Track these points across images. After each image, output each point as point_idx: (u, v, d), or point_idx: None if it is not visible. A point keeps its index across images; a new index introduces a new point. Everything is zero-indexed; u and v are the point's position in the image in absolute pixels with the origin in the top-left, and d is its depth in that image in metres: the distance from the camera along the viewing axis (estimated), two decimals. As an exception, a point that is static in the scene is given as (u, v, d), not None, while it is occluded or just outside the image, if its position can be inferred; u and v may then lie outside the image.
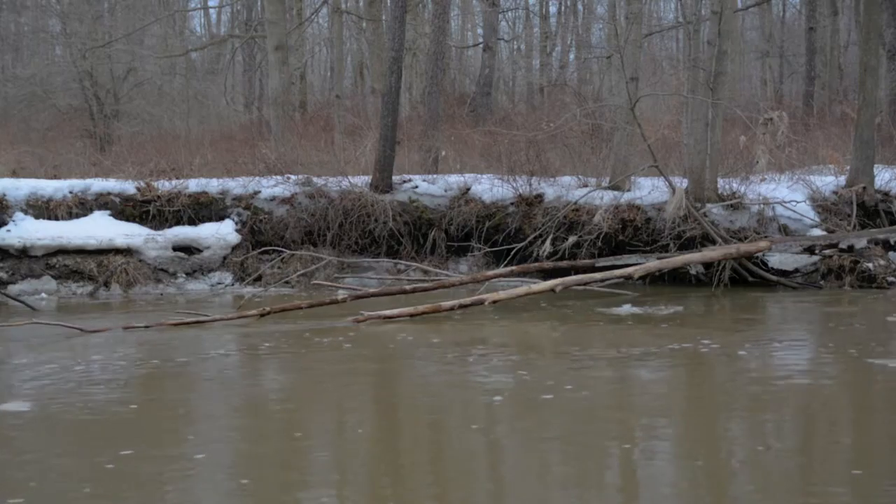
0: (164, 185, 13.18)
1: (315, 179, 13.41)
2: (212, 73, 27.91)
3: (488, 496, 4.41)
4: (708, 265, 11.49)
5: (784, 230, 11.93)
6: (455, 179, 13.60)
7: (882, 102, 16.62)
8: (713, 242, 11.44)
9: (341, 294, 10.34)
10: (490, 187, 13.19)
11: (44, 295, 11.84)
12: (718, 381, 6.75)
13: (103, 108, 22.22)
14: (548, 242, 11.83)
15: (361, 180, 13.46)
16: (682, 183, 12.05)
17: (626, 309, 9.64)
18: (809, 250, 11.53)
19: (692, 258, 11.00)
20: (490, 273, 11.25)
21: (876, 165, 12.61)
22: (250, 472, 4.73)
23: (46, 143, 18.86)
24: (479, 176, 13.71)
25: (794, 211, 12.01)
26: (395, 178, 13.53)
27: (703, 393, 6.47)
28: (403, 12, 14.28)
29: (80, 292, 12.05)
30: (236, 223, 12.99)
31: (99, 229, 12.50)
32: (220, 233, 12.85)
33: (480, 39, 25.86)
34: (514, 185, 12.98)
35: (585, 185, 12.89)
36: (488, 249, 12.76)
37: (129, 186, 13.18)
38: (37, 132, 21.05)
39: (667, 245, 11.79)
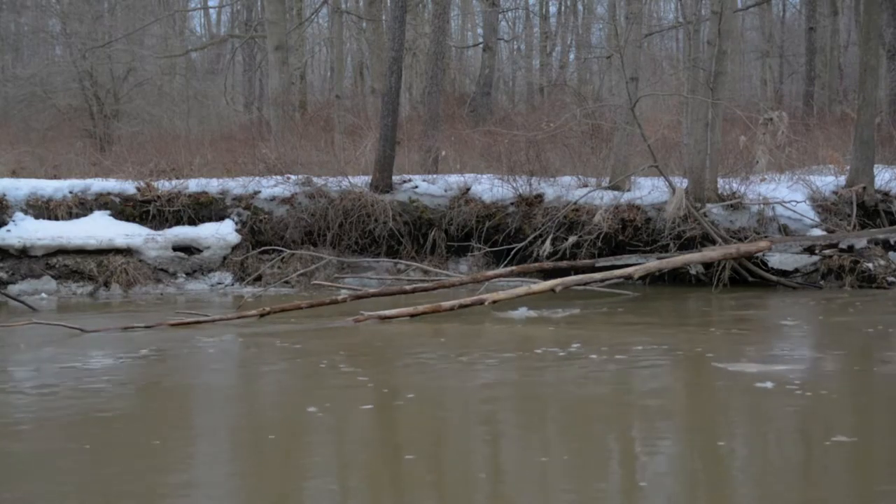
0: (164, 185, 13.19)
1: (315, 179, 13.41)
2: (212, 73, 27.93)
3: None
4: (708, 265, 11.50)
5: (784, 230, 11.94)
6: (455, 179, 13.61)
7: (882, 102, 16.64)
8: (713, 242, 11.45)
9: (341, 294, 10.34)
10: (490, 187, 13.19)
11: (44, 295, 11.84)
12: (552, 381, 6.55)
13: (103, 108, 22.21)
14: (548, 242, 11.84)
15: (361, 180, 13.47)
16: (682, 183, 12.05)
17: (521, 312, 9.54)
18: (809, 250, 11.53)
19: (692, 258, 11.01)
20: (490, 273, 11.25)
21: (876, 165, 12.63)
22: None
23: (46, 143, 18.84)
24: (479, 176, 13.71)
25: (794, 211, 12.02)
26: (395, 178, 13.54)
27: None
28: (403, 12, 14.28)
29: (80, 292, 12.06)
30: (236, 223, 13.00)
31: (99, 229, 12.50)
32: (220, 233, 12.85)
33: (480, 39, 25.86)
34: (514, 185, 12.99)
35: (585, 185, 12.89)
36: (488, 249, 12.76)
37: (129, 186, 13.19)
38: (37, 132, 21.03)
39: (667, 245, 11.80)
